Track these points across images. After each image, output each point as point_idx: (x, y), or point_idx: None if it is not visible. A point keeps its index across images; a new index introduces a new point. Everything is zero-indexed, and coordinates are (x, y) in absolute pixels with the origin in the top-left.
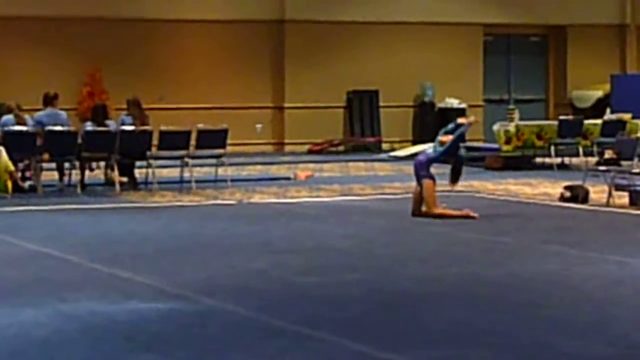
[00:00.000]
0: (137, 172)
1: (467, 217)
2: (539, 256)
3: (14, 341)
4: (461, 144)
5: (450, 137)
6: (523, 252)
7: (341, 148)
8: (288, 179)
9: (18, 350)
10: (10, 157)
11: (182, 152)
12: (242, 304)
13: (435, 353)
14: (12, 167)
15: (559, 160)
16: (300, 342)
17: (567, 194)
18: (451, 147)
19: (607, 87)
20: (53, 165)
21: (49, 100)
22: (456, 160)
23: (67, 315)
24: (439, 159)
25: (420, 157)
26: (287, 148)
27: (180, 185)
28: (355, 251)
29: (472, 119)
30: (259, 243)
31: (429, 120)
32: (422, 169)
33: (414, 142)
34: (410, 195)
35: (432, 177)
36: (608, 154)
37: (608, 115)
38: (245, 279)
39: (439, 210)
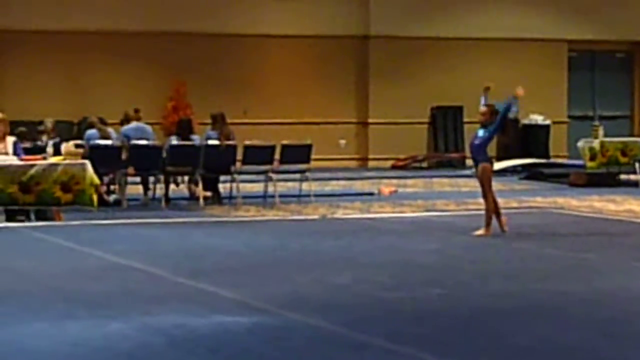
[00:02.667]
0: (221, 187)
1: (500, 224)
2: (624, 273)
3: (100, 354)
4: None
5: (486, 109)
6: (608, 269)
7: (425, 164)
8: (372, 194)
9: None
10: (96, 171)
11: (266, 167)
12: (326, 318)
13: None
14: (97, 181)
15: None
16: (384, 357)
17: None
18: (501, 123)
19: None
20: (137, 179)
21: (128, 120)
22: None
23: (153, 328)
24: (493, 137)
25: (476, 141)
26: (371, 163)
27: (264, 200)
28: (438, 267)
29: (520, 91)
30: (342, 258)
31: (513, 136)
32: (479, 154)
33: (498, 159)
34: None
35: (489, 160)
36: None
37: None
38: (330, 294)
39: (491, 196)
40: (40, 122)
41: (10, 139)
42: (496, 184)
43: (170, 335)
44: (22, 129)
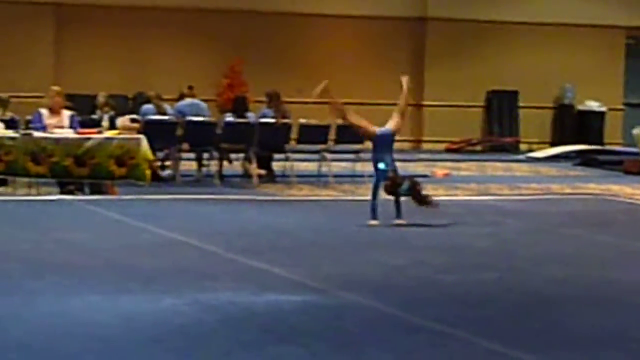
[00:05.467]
0: (275, 165)
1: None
2: None
3: (154, 328)
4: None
5: None
6: None
7: (479, 147)
8: (425, 176)
9: (158, 337)
10: (151, 146)
11: (321, 146)
12: (379, 299)
13: (568, 355)
14: (151, 156)
15: None
16: (436, 340)
17: None
18: None
19: None
20: (192, 155)
21: (182, 98)
22: None
23: (206, 305)
24: None
25: None
26: (425, 146)
27: (317, 179)
28: (492, 251)
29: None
30: (396, 240)
31: (568, 122)
32: None
33: (552, 144)
34: (548, 197)
35: None
36: None
37: None
38: (383, 275)
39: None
40: (96, 96)
41: (67, 113)
42: (550, 170)
43: (223, 312)
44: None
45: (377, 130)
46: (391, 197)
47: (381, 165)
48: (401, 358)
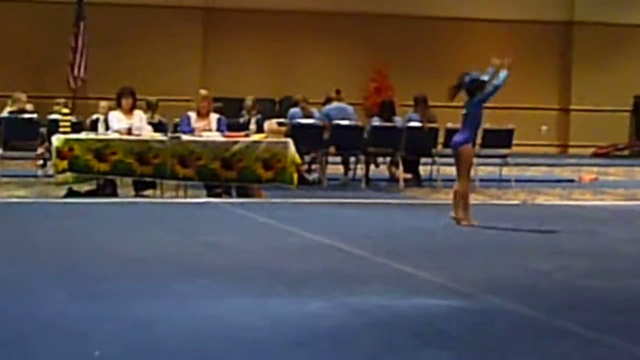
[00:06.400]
0: (422, 169)
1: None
2: None
3: (301, 331)
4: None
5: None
6: None
7: (626, 152)
8: (572, 181)
9: (305, 340)
10: (297, 150)
11: None
12: (525, 303)
13: None
14: (299, 160)
15: None
16: (586, 346)
17: None
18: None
19: None
20: (338, 159)
21: (329, 101)
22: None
23: (354, 308)
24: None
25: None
26: (571, 150)
27: None
28: None
29: (495, 60)
30: (543, 244)
31: None
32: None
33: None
34: None
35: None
36: None
37: None
38: (530, 280)
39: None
40: (242, 100)
41: (214, 116)
42: None
43: (371, 315)
44: (219, 104)
45: None
46: None
47: None
48: None
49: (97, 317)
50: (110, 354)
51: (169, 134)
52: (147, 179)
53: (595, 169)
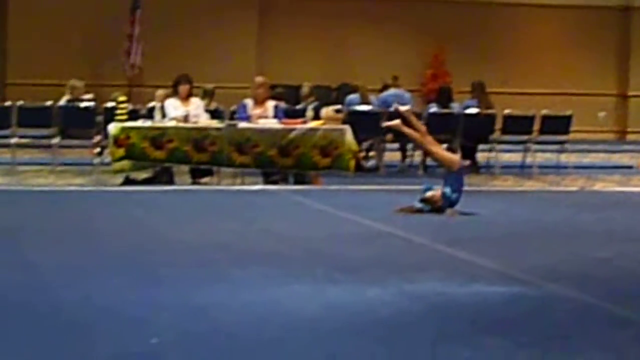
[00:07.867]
0: (479, 156)
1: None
2: None
3: (359, 318)
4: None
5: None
6: None
7: None
8: (631, 167)
9: (362, 327)
10: (355, 137)
11: (525, 137)
12: (585, 291)
13: None
14: (356, 147)
15: None
16: None
17: None
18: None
19: None
20: (395, 145)
21: (386, 88)
22: None
23: (413, 296)
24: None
25: None
26: (630, 137)
27: (521, 170)
28: None
29: None
30: (601, 231)
31: None
32: None
33: None
34: None
35: None
36: None
37: None
38: (589, 267)
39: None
40: (299, 87)
41: (271, 103)
42: None
43: (430, 303)
44: (280, 89)
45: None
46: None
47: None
48: (609, 351)
49: (155, 303)
50: (168, 340)
51: (226, 121)
52: (204, 167)
53: None
